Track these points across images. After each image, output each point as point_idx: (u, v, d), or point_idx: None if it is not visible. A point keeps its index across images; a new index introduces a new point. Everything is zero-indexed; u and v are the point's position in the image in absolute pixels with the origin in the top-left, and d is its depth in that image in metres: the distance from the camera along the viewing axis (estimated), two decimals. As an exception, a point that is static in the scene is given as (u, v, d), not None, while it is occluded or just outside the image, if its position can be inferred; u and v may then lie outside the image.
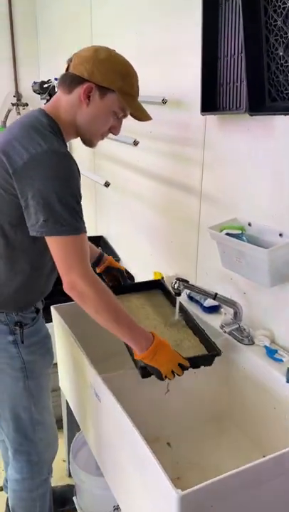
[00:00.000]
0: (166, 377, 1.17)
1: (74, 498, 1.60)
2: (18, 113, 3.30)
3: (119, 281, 1.56)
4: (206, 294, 1.43)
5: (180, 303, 1.44)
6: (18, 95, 3.40)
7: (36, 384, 1.34)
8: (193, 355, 1.25)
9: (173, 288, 1.42)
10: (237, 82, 1.29)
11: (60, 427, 1.60)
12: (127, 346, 1.22)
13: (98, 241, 2.53)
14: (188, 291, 1.64)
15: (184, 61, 1.57)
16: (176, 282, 1.40)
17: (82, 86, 1.15)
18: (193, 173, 1.62)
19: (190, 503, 0.84)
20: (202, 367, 1.26)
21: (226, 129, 1.42)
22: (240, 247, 1.28)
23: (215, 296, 1.41)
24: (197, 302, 1.61)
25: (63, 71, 1.21)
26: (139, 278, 1.76)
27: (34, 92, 2.90)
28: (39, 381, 1.35)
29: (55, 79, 2.74)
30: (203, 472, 1.25)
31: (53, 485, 1.57)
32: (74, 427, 1.70)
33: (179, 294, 1.43)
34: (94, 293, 1.11)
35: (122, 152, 2.17)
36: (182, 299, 1.49)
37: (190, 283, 1.43)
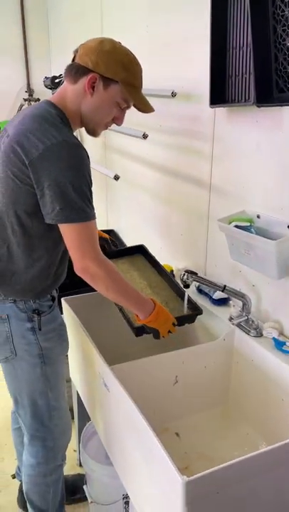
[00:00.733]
0: (162, 336, 1.34)
1: (84, 487, 1.63)
2: (31, 108, 3.32)
3: (106, 249, 1.65)
4: (215, 287, 1.44)
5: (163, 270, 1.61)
6: (30, 90, 3.43)
7: (53, 370, 1.38)
8: (178, 315, 1.42)
9: (182, 280, 1.43)
10: (246, 74, 1.29)
11: (71, 417, 1.62)
12: (122, 313, 1.41)
13: (109, 235, 2.54)
14: (197, 284, 1.65)
15: (193, 54, 1.57)
16: (184, 274, 1.41)
17: (87, 76, 1.18)
18: (202, 166, 1.62)
19: (195, 490, 0.85)
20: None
21: (235, 121, 1.42)
22: (248, 239, 1.28)
23: (224, 289, 1.42)
24: (206, 294, 1.62)
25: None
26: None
27: (46, 87, 2.92)
28: (55, 367, 1.39)
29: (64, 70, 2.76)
30: (211, 462, 1.25)
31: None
32: (84, 417, 1.72)
33: (187, 286, 1.44)
34: (104, 273, 1.20)
35: (132, 146, 2.18)
36: (191, 291, 1.50)
37: (199, 275, 1.44)
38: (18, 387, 1.39)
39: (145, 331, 1.35)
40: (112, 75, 1.18)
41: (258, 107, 1.20)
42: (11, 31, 3.31)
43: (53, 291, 1.40)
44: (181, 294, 1.50)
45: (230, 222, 1.36)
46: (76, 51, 1.22)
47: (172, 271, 1.85)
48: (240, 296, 1.41)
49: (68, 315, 1.56)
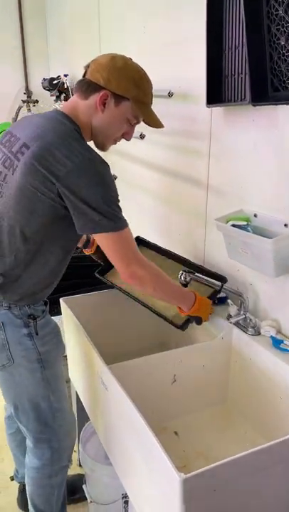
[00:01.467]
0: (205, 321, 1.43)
1: (84, 487, 1.63)
2: (29, 110, 3.33)
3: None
4: (213, 285, 1.44)
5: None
6: (28, 92, 3.43)
7: (53, 373, 1.39)
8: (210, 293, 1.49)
9: (179, 279, 1.43)
10: (242, 73, 1.29)
11: (71, 417, 1.63)
12: (157, 314, 1.50)
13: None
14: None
15: (189, 54, 1.58)
16: (182, 274, 1.41)
17: (99, 93, 1.20)
18: (199, 166, 1.63)
19: (193, 487, 0.85)
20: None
21: (232, 120, 1.42)
22: (245, 238, 1.29)
23: (221, 287, 1.42)
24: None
25: (75, 71, 1.27)
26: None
27: (44, 88, 2.93)
28: (55, 370, 1.40)
29: (65, 75, 2.77)
30: (209, 461, 1.24)
31: (63, 474, 1.60)
32: (84, 417, 1.72)
33: (185, 286, 1.44)
34: (150, 275, 1.27)
35: (130, 146, 2.17)
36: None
37: (196, 274, 1.44)
38: (18, 393, 1.39)
39: (189, 322, 1.44)
40: (124, 93, 1.21)
41: (254, 106, 1.20)
42: (9, 33, 3.32)
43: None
44: (196, 269, 1.55)
45: (227, 221, 1.36)
46: (87, 66, 1.24)
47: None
48: (238, 294, 1.42)
49: (67, 315, 1.57)
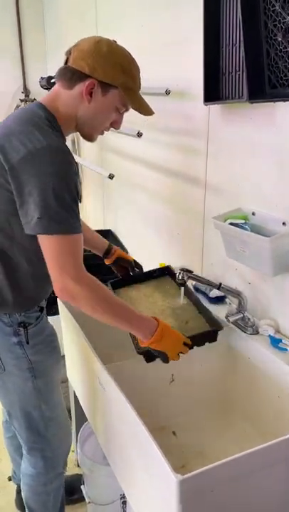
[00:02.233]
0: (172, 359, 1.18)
1: (82, 487, 1.62)
2: (27, 109, 3.32)
3: (128, 272, 1.57)
4: (211, 285, 1.44)
5: (186, 286, 1.44)
6: (26, 91, 3.43)
7: (45, 382, 1.33)
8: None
9: (177, 279, 1.42)
10: (239, 71, 1.28)
11: (69, 417, 1.62)
12: (130, 334, 1.23)
13: (106, 234, 2.55)
14: (194, 282, 1.64)
15: (186, 52, 1.57)
16: (180, 273, 1.40)
17: (84, 83, 1.11)
18: (197, 164, 1.62)
19: (190, 488, 0.85)
20: (207, 344, 1.26)
21: (229, 118, 1.41)
22: (243, 237, 1.28)
23: (219, 287, 1.41)
24: (203, 293, 1.61)
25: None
26: (146, 270, 1.76)
27: (41, 87, 2.91)
28: (48, 379, 1.34)
29: (56, 73, 2.76)
30: (207, 460, 1.23)
31: (62, 475, 1.59)
32: (82, 418, 1.71)
33: (183, 285, 1.44)
34: (87, 292, 1.08)
35: (128, 145, 2.17)
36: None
37: (194, 273, 1.43)
38: (10, 400, 1.35)
39: (151, 354, 1.19)
40: (111, 80, 1.12)
41: (251, 103, 1.19)
42: (6, 31, 3.31)
43: (41, 302, 1.35)
44: (204, 313, 1.37)
45: (225, 220, 1.35)
46: (69, 53, 1.14)
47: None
48: (236, 293, 1.41)
49: (64, 315, 1.56)
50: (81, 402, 1.59)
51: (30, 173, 1.03)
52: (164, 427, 1.37)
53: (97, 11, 2.31)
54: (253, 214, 1.34)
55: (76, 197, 1.08)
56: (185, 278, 1.40)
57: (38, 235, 1.06)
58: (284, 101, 1.10)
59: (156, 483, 0.98)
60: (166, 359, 1.17)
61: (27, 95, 3.43)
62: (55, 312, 1.62)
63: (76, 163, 1.14)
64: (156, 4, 1.74)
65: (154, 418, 1.24)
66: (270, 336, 1.31)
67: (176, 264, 1.85)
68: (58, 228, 1.04)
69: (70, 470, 1.89)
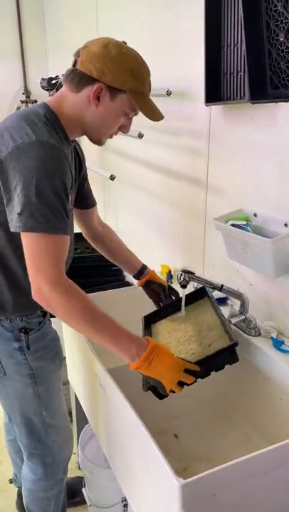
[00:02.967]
0: (171, 391, 1.04)
1: (83, 490, 1.61)
2: (28, 110, 3.31)
3: (160, 297, 1.47)
4: (212, 286, 1.42)
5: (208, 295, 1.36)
6: (27, 92, 3.42)
7: (46, 389, 1.31)
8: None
9: (178, 280, 1.41)
10: (240, 71, 1.28)
11: (70, 420, 1.61)
12: None
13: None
14: (195, 284, 1.63)
15: (188, 52, 1.56)
16: (181, 274, 1.39)
17: (92, 87, 1.08)
18: (198, 165, 1.61)
19: (192, 492, 0.84)
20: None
21: (231, 119, 1.41)
22: (245, 238, 1.27)
23: (221, 288, 1.40)
24: (204, 294, 1.60)
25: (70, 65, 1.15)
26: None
27: (42, 88, 2.90)
28: (49, 385, 1.32)
29: (63, 75, 2.75)
30: (210, 463, 1.23)
31: (63, 477, 1.58)
32: (83, 420, 1.71)
33: (184, 287, 1.42)
34: (64, 300, 0.99)
35: (129, 146, 2.16)
36: (189, 291, 1.48)
37: (196, 275, 1.42)
38: (11, 405, 1.34)
39: (148, 384, 1.04)
40: (120, 85, 1.08)
41: (253, 104, 1.19)
42: (7, 33, 3.30)
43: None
44: (228, 331, 1.15)
45: (226, 221, 1.34)
46: (77, 55, 1.11)
47: (170, 271, 1.84)
48: (238, 295, 1.40)
49: (65, 316, 1.55)
50: (82, 404, 1.59)
51: (15, 168, 0.99)
52: (165, 429, 1.36)
53: (97, 12, 2.31)
54: (255, 215, 1.33)
55: (64, 196, 1.03)
56: (187, 279, 1.39)
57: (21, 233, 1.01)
58: (286, 101, 1.10)
59: (157, 486, 0.97)
60: (163, 388, 1.03)
61: (28, 96, 3.42)
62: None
63: (69, 161, 1.10)
64: (156, 4, 1.74)
65: (156, 421, 1.23)
66: (272, 338, 1.31)
67: (177, 266, 1.85)
68: (37, 226, 0.98)
69: (72, 472, 1.88)
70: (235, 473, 0.88)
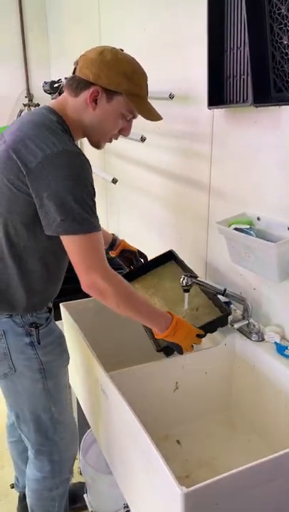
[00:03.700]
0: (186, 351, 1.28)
1: (85, 496, 1.60)
2: (30, 113, 3.32)
3: (132, 262, 1.63)
4: (215, 290, 1.41)
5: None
6: (29, 95, 3.43)
7: (55, 384, 1.34)
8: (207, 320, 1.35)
9: (181, 284, 1.40)
10: (244, 74, 1.27)
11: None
12: (146, 330, 1.33)
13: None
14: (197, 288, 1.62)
15: (190, 55, 1.56)
16: (184, 278, 1.39)
17: (89, 90, 1.15)
18: (201, 168, 1.60)
19: (195, 501, 0.83)
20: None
21: (234, 122, 1.40)
22: (247, 242, 1.26)
23: (224, 292, 1.39)
24: (207, 299, 1.59)
25: (71, 73, 1.21)
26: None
27: (45, 92, 2.91)
28: (57, 380, 1.35)
29: (66, 78, 2.75)
30: (213, 470, 1.23)
31: (65, 483, 1.57)
32: (85, 425, 1.70)
33: (187, 291, 1.42)
34: (114, 289, 1.14)
35: (131, 149, 2.16)
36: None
37: (199, 279, 1.41)
38: (20, 402, 1.35)
39: (170, 349, 1.30)
40: (116, 87, 1.14)
41: (256, 107, 1.18)
42: (10, 36, 3.31)
43: (49, 303, 1.37)
44: (213, 298, 1.44)
45: (229, 225, 1.33)
46: (76, 63, 1.18)
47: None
48: (241, 299, 1.39)
49: (67, 320, 1.54)
50: (84, 409, 1.58)
51: (48, 178, 1.06)
52: (167, 435, 1.35)
53: (100, 16, 2.31)
54: (258, 219, 1.32)
55: (93, 196, 1.13)
56: (190, 283, 1.38)
57: (61, 236, 1.11)
58: (290, 105, 1.09)
59: (160, 494, 0.96)
60: (180, 350, 1.27)
61: (30, 100, 3.42)
62: (58, 317, 1.60)
63: (89, 163, 1.16)
64: (159, 7, 1.73)
65: (158, 426, 1.22)
66: (276, 343, 1.29)
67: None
68: (80, 228, 1.09)
69: (74, 478, 1.87)
70: (239, 481, 0.86)
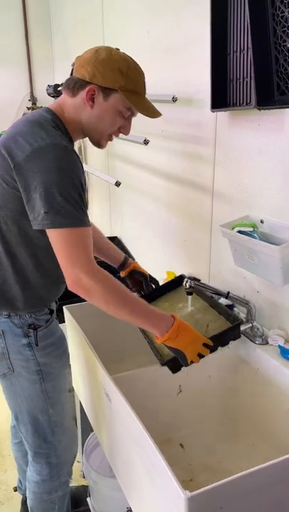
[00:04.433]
0: (192, 362, 1.15)
1: (88, 499, 1.60)
2: (34, 116, 3.33)
3: (142, 287, 1.54)
4: (219, 293, 1.41)
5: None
6: (33, 99, 3.44)
7: (53, 386, 1.34)
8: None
9: (185, 287, 1.40)
10: (247, 77, 1.27)
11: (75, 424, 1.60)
12: (148, 341, 1.27)
13: (113, 242, 2.53)
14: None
15: (194, 58, 1.56)
16: (187, 281, 1.38)
17: (85, 89, 1.16)
18: (204, 171, 1.60)
19: (198, 505, 0.82)
20: (217, 353, 1.23)
21: (237, 125, 1.40)
22: (251, 245, 1.26)
23: (227, 295, 1.39)
24: (210, 302, 1.59)
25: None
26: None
27: (48, 95, 2.92)
28: (56, 383, 1.35)
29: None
30: (216, 474, 1.22)
31: (67, 486, 1.57)
32: (88, 428, 1.69)
33: (190, 294, 1.41)
34: (101, 286, 1.08)
35: (135, 152, 2.16)
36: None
37: (202, 282, 1.41)
38: (18, 403, 1.35)
39: (178, 362, 1.17)
40: (111, 84, 1.15)
41: (259, 110, 1.18)
42: (14, 40, 3.33)
43: (51, 304, 1.36)
44: (224, 312, 1.34)
45: (233, 228, 1.33)
46: (73, 64, 1.20)
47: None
48: (245, 302, 1.38)
49: (70, 323, 1.54)
50: (87, 412, 1.57)
51: (35, 170, 1.06)
52: (171, 439, 1.34)
53: (103, 19, 2.32)
54: (262, 222, 1.32)
55: (82, 193, 1.10)
56: (192, 285, 1.38)
57: (46, 230, 1.08)
58: (293, 107, 1.08)
59: (163, 498, 0.96)
60: (185, 359, 1.15)
61: (34, 103, 3.44)
62: (61, 320, 1.60)
63: (80, 160, 1.16)
64: (163, 11, 1.74)
65: (161, 430, 1.22)
66: (279, 346, 1.29)
67: (182, 272, 1.83)
68: (65, 222, 1.06)
69: (76, 481, 1.87)
70: (243, 485, 0.86)
